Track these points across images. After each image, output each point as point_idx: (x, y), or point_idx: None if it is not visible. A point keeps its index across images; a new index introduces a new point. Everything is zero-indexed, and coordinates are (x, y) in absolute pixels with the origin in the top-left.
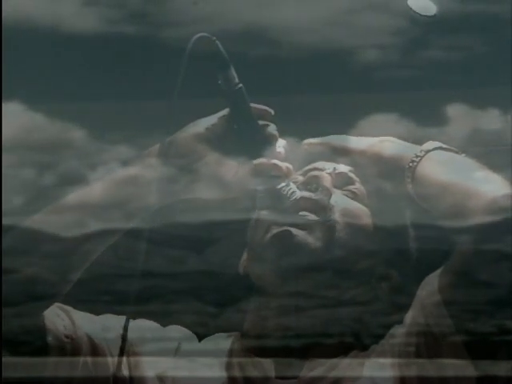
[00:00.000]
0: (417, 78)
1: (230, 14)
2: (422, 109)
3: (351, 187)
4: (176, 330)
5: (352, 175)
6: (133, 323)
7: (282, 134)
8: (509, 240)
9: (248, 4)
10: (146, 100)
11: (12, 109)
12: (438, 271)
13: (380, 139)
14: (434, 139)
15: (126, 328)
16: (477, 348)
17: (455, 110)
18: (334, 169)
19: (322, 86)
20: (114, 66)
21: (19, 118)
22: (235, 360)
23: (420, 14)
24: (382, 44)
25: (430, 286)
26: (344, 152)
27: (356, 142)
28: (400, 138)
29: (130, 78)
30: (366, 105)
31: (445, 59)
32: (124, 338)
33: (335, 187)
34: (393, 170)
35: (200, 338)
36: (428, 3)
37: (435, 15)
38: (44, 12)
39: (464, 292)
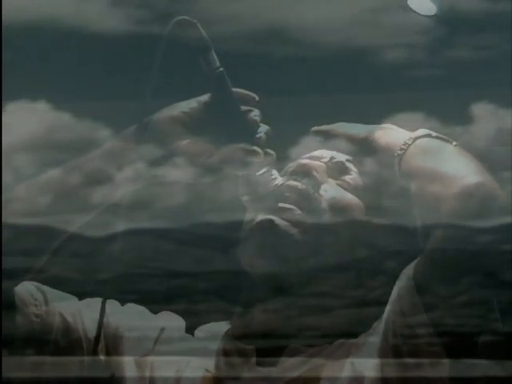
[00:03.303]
0: (442, 78)
1: (256, 13)
2: (447, 108)
3: (346, 177)
4: (166, 316)
5: (349, 165)
6: (121, 308)
7: (306, 133)
8: (478, 234)
9: (273, 4)
10: (173, 100)
11: (38, 108)
12: (414, 262)
13: (380, 127)
14: (459, 138)
15: (102, 310)
16: (453, 344)
17: (481, 109)
18: (332, 157)
19: (347, 85)
20: (140, 66)
21: (45, 117)
22: (219, 346)
23: (420, 14)
24: (408, 43)
25: (406, 277)
26: (346, 139)
27: (359, 129)
28: None
29: (174, 77)
30: (392, 104)
31: (471, 58)
32: (100, 320)
33: (330, 176)
34: (389, 158)
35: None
36: (428, 3)
37: (435, 15)
38: (70, 12)
39: (439, 283)
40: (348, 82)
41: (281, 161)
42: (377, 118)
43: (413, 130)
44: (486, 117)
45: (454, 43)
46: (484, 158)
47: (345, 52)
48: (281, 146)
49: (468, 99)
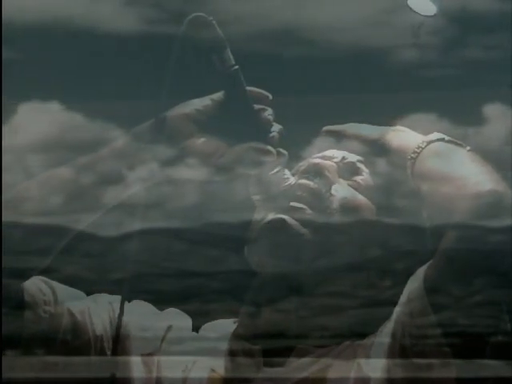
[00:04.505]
0: (454, 78)
1: (268, 14)
2: (459, 108)
3: (357, 178)
4: (172, 313)
5: (360, 165)
6: (128, 306)
7: (317, 133)
8: (491, 237)
9: (285, 4)
10: (185, 100)
11: (51, 108)
12: (426, 265)
13: (392, 128)
14: (471, 139)
15: (121, 309)
16: (463, 344)
17: (493, 110)
18: (343, 158)
19: (358, 85)
20: (153, 66)
21: (58, 117)
22: (226, 346)
23: (420, 14)
24: (420, 43)
25: (417, 280)
26: (358, 140)
27: (371, 130)
28: None
29: (189, 75)
30: (404, 104)
31: (483, 58)
32: (120, 318)
33: (341, 177)
34: (400, 160)
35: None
36: (428, 3)
37: (435, 15)
38: (83, 12)
39: (450, 284)
40: (360, 82)
41: (292, 160)
42: (389, 119)
43: (425, 130)
44: (499, 117)
45: (466, 43)
46: (496, 158)
47: (356, 52)
48: (292, 146)
49: (480, 99)
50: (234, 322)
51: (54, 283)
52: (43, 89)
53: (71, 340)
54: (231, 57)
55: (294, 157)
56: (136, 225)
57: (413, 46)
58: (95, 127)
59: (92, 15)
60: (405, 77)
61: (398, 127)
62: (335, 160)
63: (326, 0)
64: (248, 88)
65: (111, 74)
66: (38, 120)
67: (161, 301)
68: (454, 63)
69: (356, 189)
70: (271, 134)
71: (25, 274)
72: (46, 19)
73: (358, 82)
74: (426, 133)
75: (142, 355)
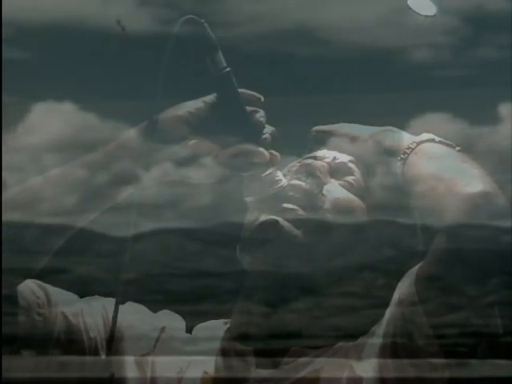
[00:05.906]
0: (468, 77)
1: (281, 14)
2: (473, 108)
3: (349, 178)
4: (166, 315)
5: (352, 165)
6: (122, 307)
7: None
8: (481, 239)
9: (298, 4)
10: (178, 102)
11: (65, 108)
12: (417, 266)
13: (382, 129)
14: (485, 138)
15: (116, 311)
16: (454, 347)
17: (507, 109)
18: (334, 158)
19: (372, 85)
20: (166, 66)
21: (72, 117)
22: (218, 347)
23: (420, 14)
24: (434, 43)
25: (408, 282)
26: (349, 140)
27: (361, 130)
28: (450, 137)
29: (182, 77)
30: (418, 104)
31: (496, 58)
32: (113, 320)
33: (333, 177)
34: (391, 160)
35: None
36: (428, 3)
37: (435, 15)
38: (96, 12)
39: (440, 288)
40: (373, 82)
41: (285, 161)
42: (402, 118)
43: (436, 129)
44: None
45: (480, 43)
46: (509, 157)
47: (370, 52)
48: (287, 146)
49: (495, 99)
50: (225, 323)
51: (48, 286)
52: (56, 89)
53: (65, 342)
54: (223, 59)
55: (288, 157)
56: (148, 225)
57: (413, 47)
58: (108, 127)
59: (105, 16)
60: (419, 77)
61: (389, 127)
62: (326, 160)
63: (337, 0)
64: (240, 90)
65: (124, 74)
66: (50, 120)
67: (174, 301)
68: (468, 63)
69: (348, 189)
70: (263, 136)
71: (31, 274)
72: (59, 19)
73: (368, 82)
74: (438, 132)
75: (137, 356)
